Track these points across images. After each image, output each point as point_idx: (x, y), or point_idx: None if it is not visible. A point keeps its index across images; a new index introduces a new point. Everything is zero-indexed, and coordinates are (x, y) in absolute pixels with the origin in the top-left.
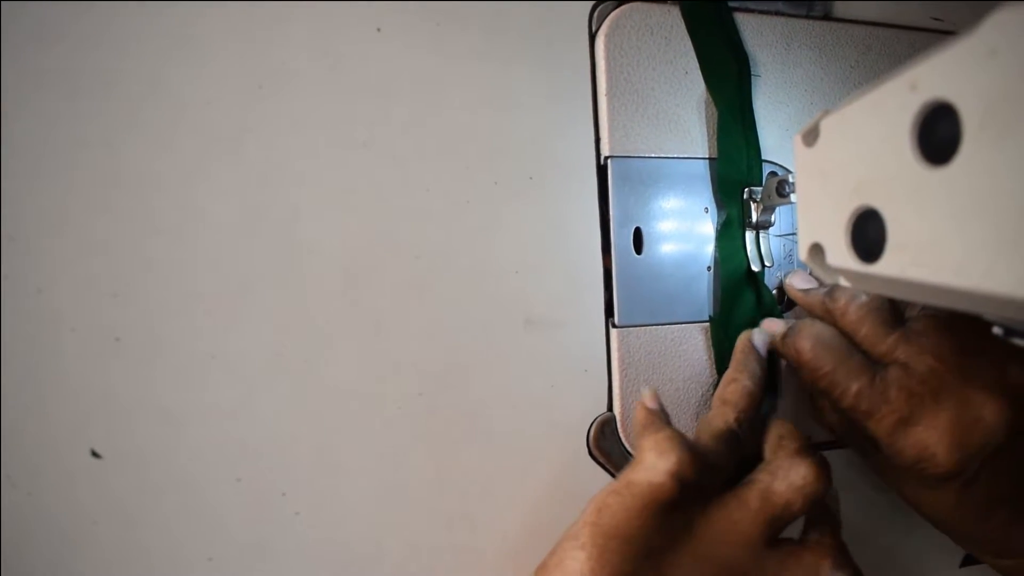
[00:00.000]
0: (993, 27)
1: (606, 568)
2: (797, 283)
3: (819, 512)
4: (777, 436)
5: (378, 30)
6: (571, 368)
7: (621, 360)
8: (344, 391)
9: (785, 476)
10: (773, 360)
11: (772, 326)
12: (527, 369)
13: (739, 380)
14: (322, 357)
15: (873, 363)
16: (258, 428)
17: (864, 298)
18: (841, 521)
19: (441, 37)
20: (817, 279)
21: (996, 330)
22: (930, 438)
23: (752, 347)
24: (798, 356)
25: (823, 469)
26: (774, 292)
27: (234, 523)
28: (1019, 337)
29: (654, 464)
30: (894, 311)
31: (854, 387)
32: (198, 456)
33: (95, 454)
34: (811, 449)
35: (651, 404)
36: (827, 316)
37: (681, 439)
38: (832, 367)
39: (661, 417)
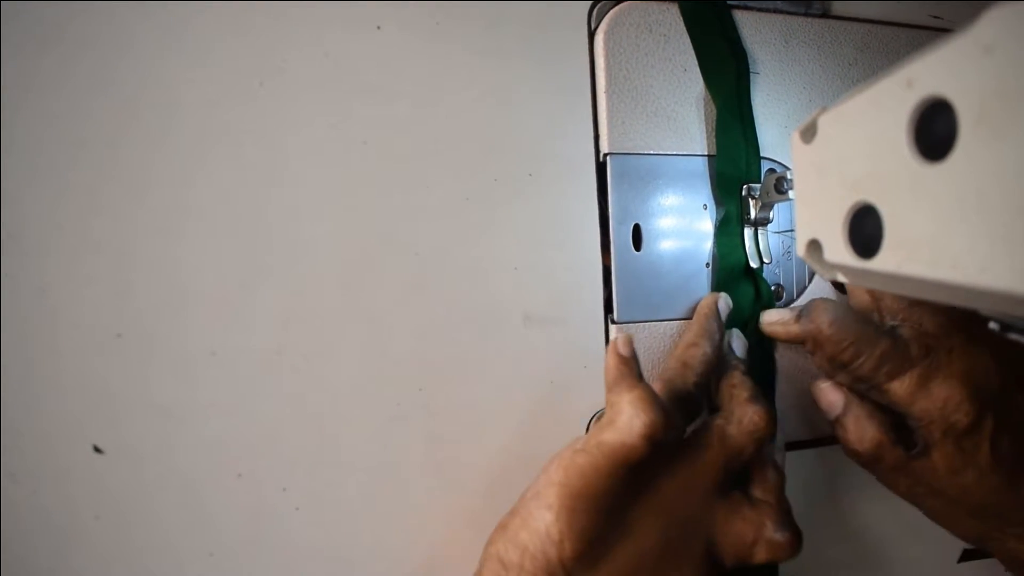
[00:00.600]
0: (989, 24)
1: (574, 527)
2: (772, 318)
3: (764, 465)
4: (729, 386)
5: (378, 28)
6: (570, 364)
7: None
8: (344, 387)
9: (739, 422)
10: (769, 357)
11: (773, 315)
12: (526, 365)
13: (700, 345)
14: (322, 353)
15: (886, 327)
16: (259, 424)
17: (831, 303)
18: (785, 475)
19: (441, 35)
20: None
21: (992, 325)
22: (952, 388)
23: (716, 312)
24: (819, 334)
25: (771, 413)
26: (772, 288)
27: (235, 518)
28: (1015, 332)
29: (628, 424)
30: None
31: (878, 351)
32: (199, 452)
33: (97, 450)
34: (760, 396)
35: (624, 351)
36: (808, 339)
37: (655, 399)
38: (855, 337)
39: (634, 368)
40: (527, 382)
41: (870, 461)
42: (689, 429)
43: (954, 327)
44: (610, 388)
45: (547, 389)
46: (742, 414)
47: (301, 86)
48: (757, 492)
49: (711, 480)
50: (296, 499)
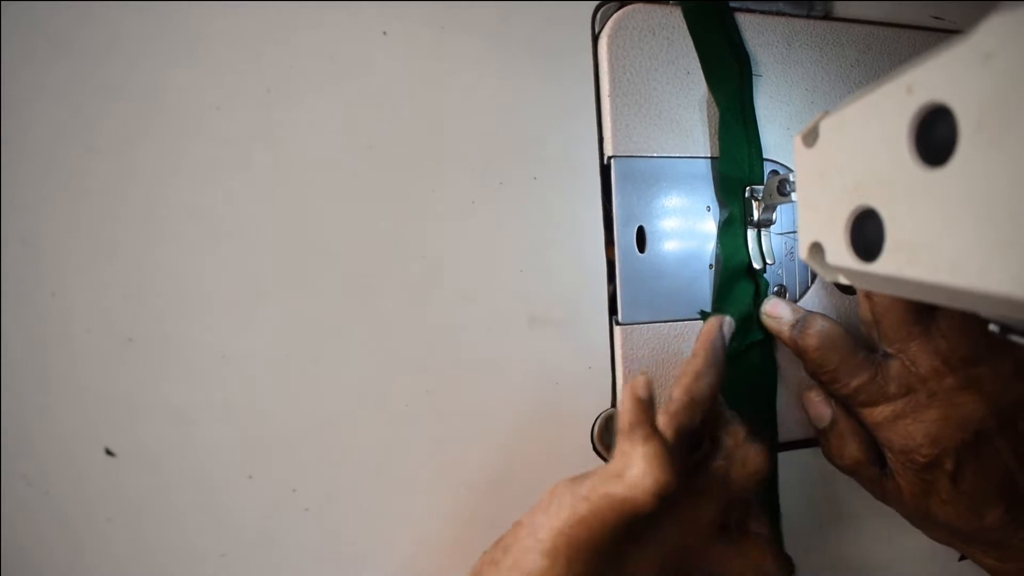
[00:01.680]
0: (988, 31)
1: None
2: (775, 312)
3: (759, 499)
4: (724, 421)
5: (384, 33)
6: (575, 365)
7: (624, 357)
8: (352, 389)
9: (742, 464)
10: (770, 355)
11: (777, 310)
12: (532, 366)
13: (707, 376)
14: (331, 356)
15: (876, 352)
16: (269, 426)
17: (825, 326)
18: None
19: (446, 40)
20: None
21: (992, 327)
22: (916, 431)
23: (722, 337)
24: (804, 352)
25: (769, 453)
26: (774, 289)
27: (246, 519)
28: (1016, 334)
29: (640, 481)
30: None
31: (855, 382)
32: (210, 454)
33: (109, 452)
34: (755, 436)
35: (643, 394)
36: (794, 350)
37: (669, 457)
38: (836, 364)
39: (651, 414)
40: (533, 383)
41: (848, 473)
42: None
43: (948, 371)
44: (623, 433)
45: (553, 390)
46: (744, 455)
47: (308, 92)
48: (752, 525)
49: (711, 522)
50: (306, 500)
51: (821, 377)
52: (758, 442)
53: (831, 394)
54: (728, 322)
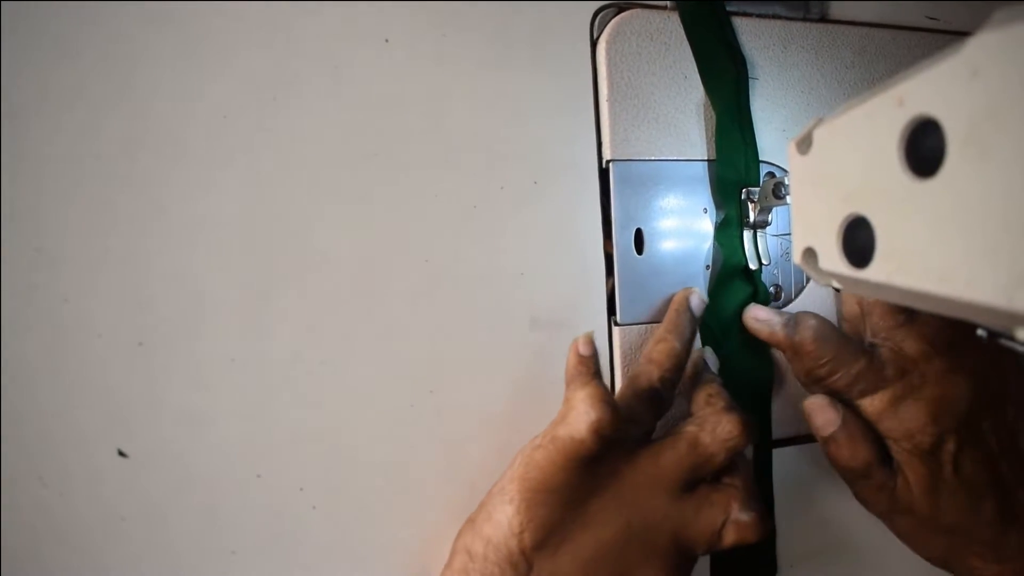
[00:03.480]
0: (976, 48)
1: (533, 520)
2: (761, 316)
3: (734, 461)
4: (706, 395)
5: (386, 41)
6: None
7: (623, 357)
8: (358, 390)
9: (712, 430)
10: (766, 347)
11: (762, 313)
12: (533, 367)
13: (668, 340)
14: (337, 358)
15: (866, 345)
16: (277, 427)
17: (817, 320)
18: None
19: (447, 47)
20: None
21: (980, 332)
22: (919, 411)
23: (687, 307)
24: (801, 346)
25: (747, 426)
26: (772, 288)
27: (255, 517)
28: (1004, 338)
29: (578, 420)
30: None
31: (854, 370)
32: (220, 454)
33: (122, 454)
34: (736, 407)
35: (584, 351)
36: (789, 349)
37: (604, 396)
38: (833, 355)
39: (592, 366)
40: (534, 383)
41: (858, 477)
42: (659, 424)
43: (935, 353)
44: (567, 384)
45: (553, 390)
46: (716, 422)
47: (313, 99)
48: (724, 478)
49: (677, 480)
50: (313, 498)
51: (818, 371)
52: (736, 412)
53: (830, 392)
54: (698, 294)
